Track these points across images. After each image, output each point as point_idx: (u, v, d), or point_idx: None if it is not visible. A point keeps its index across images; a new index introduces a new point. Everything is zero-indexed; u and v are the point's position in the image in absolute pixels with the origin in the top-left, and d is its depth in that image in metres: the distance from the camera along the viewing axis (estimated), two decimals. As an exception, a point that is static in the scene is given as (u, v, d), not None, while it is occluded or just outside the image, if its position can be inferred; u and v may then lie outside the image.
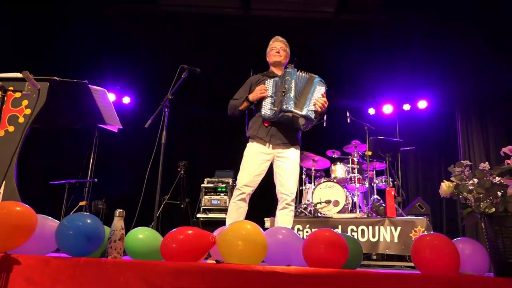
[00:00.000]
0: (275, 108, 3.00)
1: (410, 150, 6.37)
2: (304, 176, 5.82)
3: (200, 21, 6.97)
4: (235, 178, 5.23)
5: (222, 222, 3.47)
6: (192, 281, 1.58)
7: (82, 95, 2.20)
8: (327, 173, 5.86)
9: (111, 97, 6.99)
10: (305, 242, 1.85)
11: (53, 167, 6.37)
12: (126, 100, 7.10)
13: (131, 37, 6.83)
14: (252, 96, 3.14)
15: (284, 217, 3.02)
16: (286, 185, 3.04)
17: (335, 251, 1.78)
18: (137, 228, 2.19)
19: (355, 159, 5.54)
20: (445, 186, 2.02)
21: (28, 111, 2.08)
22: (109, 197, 6.48)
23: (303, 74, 3.09)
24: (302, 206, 5.39)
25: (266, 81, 3.14)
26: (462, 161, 1.93)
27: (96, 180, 6.34)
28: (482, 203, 1.94)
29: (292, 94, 2.98)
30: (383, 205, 4.94)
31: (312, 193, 5.30)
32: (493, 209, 1.88)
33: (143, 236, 2.13)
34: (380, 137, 5.35)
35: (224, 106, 3.39)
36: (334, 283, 1.61)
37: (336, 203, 5.15)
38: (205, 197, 6.20)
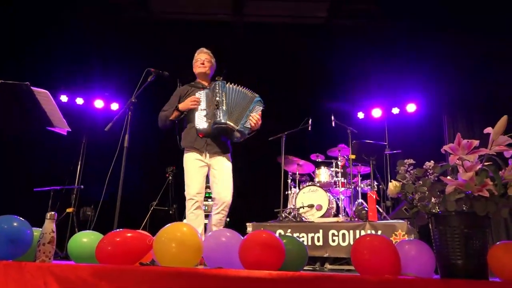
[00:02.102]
0: (209, 121, 3.09)
1: (400, 153, 6.26)
2: (289, 181, 5.75)
3: (192, 28, 6.97)
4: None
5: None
6: (115, 284, 1.54)
7: (26, 98, 2.19)
8: (312, 177, 5.80)
9: (99, 103, 7.02)
10: (241, 244, 1.80)
11: (41, 174, 6.36)
12: (115, 106, 7.11)
13: (121, 43, 6.83)
14: (182, 106, 3.21)
15: (217, 221, 3.13)
16: (222, 192, 3.14)
17: (270, 253, 1.73)
18: (82, 231, 2.16)
19: (339, 163, 5.48)
20: (392, 186, 1.97)
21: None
22: (99, 203, 6.45)
23: (237, 88, 3.18)
24: (287, 211, 5.32)
25: (197, 93, 3.20)
26: (404, 160, 1.88)
27: (82, 186, 6.34)
28: (431, 203, 1.89)
29: (224, 108, 3.06)
30: (366, 208, 4.87)
31: (295, 198, 5.24)
32: (437, 208, 1.83)
33: (87, 239, 2.10)
34: (364, 140, 5.28)
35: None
36: (263, 285, 1.56)
37: (319, 207, 5.09)
38: (192, 202, 6.15)
